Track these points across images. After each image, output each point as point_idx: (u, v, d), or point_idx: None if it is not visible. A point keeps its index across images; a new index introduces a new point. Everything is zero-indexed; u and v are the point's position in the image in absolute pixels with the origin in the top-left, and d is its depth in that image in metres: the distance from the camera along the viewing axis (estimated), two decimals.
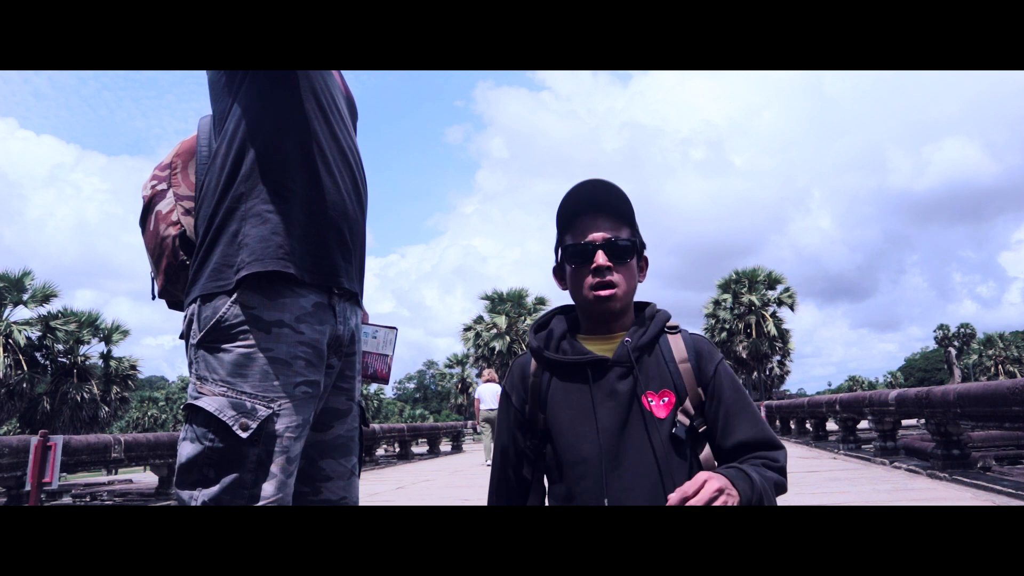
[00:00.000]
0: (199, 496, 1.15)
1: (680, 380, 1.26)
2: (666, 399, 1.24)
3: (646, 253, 1.41)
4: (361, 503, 1.48)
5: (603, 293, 1.27)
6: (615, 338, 1.31)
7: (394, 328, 1.68)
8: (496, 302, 32.95)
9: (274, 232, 1.24)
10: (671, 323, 1.35)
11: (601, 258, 1.27)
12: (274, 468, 1.17)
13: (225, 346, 1.20)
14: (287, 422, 1.19)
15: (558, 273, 1.41)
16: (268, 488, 1.16)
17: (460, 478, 9.13)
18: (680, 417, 1.23)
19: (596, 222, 1.31)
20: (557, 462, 1.28)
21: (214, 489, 1.14)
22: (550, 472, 1.31)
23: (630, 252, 1.31)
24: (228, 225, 1.25)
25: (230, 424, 1.15)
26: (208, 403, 1.16)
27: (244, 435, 1.15)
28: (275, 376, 1.19)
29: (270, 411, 1.17)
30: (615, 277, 1.28)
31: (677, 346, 1.30)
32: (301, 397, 1.21)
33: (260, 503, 1.14)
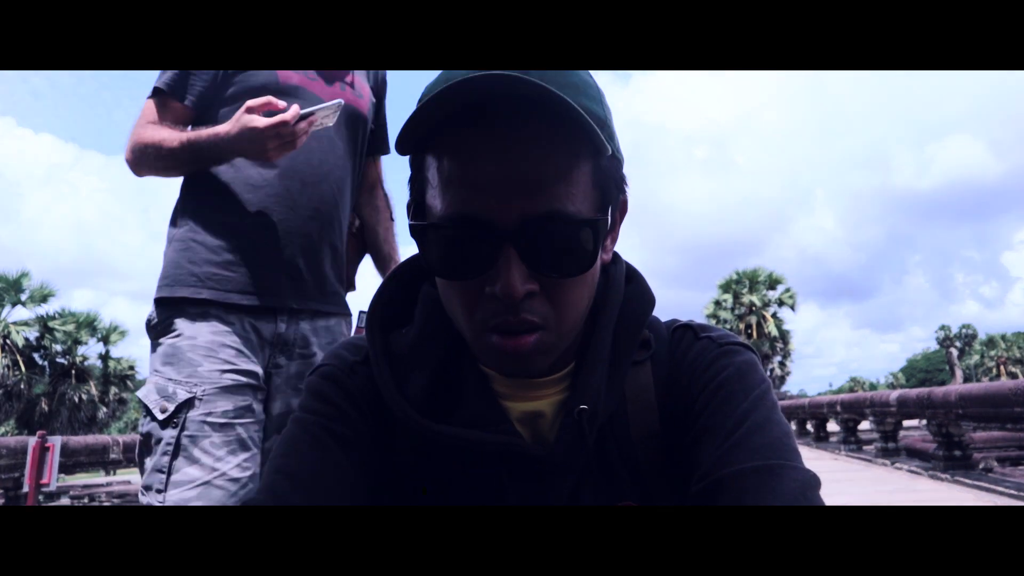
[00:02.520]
0: (140, 484, 1.21)
1: (651, 470, 0.66)
2: None
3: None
4: None
5: (510, 344, 0.58)
6: (547, 389, 0.66)
7: None
8: None
9: (191, 260, 1.29)
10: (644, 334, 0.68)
11: (517, 276, 0.55)
12: (197, 452, 1.18)
13: (159, 340, 1.27)
14: (211, 407, 1.21)
15: (419, 239, 0.62)
16: (192, 472, 1.17)
17: None
18: None
19: (504, 172, 0.54)
20: None
21: (144, 475, 1.19)
22: None
23: (586, 252, 0.57)
24: (167, 244, 1.36)
25: (152, 407, 1.20)
26: (141, 391, 1.23)
27: (161, 416, 1.19)
28: (199, 363, 1.23)
29: (191, 395, 1.20)
30: (543, 309, 0.58)
31: (643, 394, 0.67)
32: (231, 384, 1.24)
33: (186, 488, 1.16)
